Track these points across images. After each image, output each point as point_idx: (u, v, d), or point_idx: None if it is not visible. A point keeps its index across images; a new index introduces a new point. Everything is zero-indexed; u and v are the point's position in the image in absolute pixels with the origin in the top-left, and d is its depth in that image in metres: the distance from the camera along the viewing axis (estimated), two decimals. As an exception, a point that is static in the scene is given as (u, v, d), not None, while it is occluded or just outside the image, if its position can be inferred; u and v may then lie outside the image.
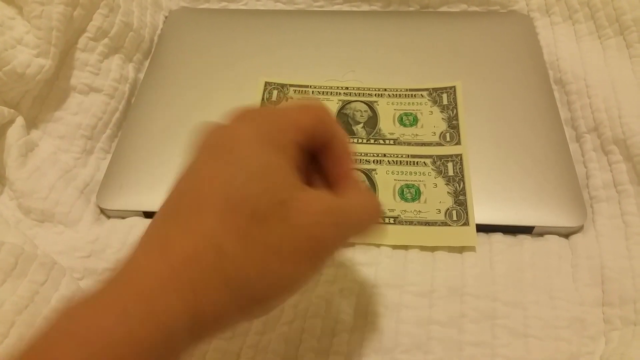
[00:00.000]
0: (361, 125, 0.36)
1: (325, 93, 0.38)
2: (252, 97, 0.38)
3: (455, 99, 0.37)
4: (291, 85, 0.39)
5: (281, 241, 0.19)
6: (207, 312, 0.18)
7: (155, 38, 0.45)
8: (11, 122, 0.35)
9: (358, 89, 0.39)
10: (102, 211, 0.35)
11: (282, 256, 0.19)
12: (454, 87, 0.38)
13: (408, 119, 0.37)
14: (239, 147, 0.20)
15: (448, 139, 0.35)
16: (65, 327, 0.16)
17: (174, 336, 0.17)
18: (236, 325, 0.19)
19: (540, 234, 0.32)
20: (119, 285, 0.17)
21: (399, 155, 0.35)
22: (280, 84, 0.39)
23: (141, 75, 0.42)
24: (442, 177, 0.33)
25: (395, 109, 0.37)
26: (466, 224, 0.31)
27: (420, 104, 0.37)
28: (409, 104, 0.37)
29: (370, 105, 0.38)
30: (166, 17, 0.47)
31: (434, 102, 0.37)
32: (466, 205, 0.32)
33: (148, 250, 0.19)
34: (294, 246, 0.19)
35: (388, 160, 0.34)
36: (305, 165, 0.22)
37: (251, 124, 0.21)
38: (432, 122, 0.36)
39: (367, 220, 0.22)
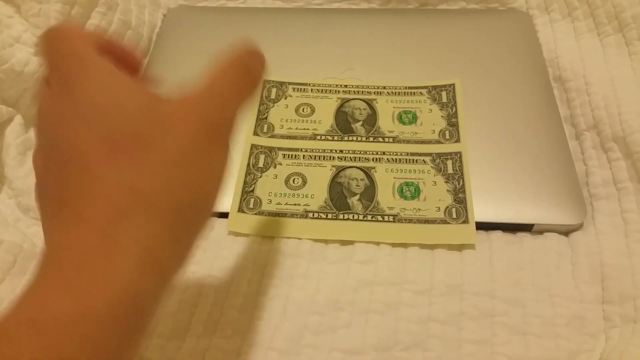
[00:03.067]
0: (360, 123, 0.36)
1: (324, 91, 0.38)
2: (251, 95, 0.38)
3: (454, 96, 0.37)
4: (290, 83, 0.39)
5: (182, 154, 0.18)
6: (159, 247, 0.17)
7: (154, 36, 0.45)
8: (10, 120, 0.34)
9: (357, 86, 0.38)
10: (101, 210, 0.35)
11: (192, 165, 0.18)
12: (453, 84, 0.38)
13: (407, 117, 0.36)
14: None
15: (447, 136, 0.35)
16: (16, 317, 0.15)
17: (133, 292, 0.16)
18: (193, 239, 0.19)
19: (540, 232, 0.32)
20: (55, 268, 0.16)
21: (398, 153, 0.35)
22: (279, 81, 0.39)
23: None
24: (442, 175, 0.33)
25: (394, 107, 0.37)
26: (466, 221, 0.31)
27: (420, 101, 0.37)
28: (408, 101, 0.37)
29: (369, 103, 0.37)
30: (164, 15, 0.46)
31: (433, 99, 0.37)
32: (466, 203, 0.32)
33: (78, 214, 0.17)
34: (194, 149, 0.18)
35: (387, 158, 0.34)
36: None
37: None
38: (432, 119, 0.36)
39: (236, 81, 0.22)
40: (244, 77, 0.22)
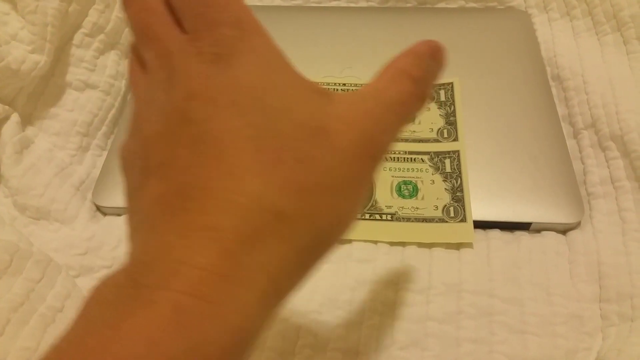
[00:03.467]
0: (358, 121, 0.36)
1: (322, 89, 0.38)
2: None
3: (452, 95, 0.37)
4: (288, 82, 0.39)
5: (334, 174, 0.16)
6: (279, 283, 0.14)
7: (152, 34, 0.44)
8: (6, 118, 0.34)
9: (356, 85, 0.38)
10: (98, 208, 0.34)
11: (341, 188, 0.16)
12: (452, 83, 0.38)
13: (405, 116, 0.36)
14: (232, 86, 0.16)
15: (445, 135, 0.35)
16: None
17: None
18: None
19: (538, 231, 0.32)
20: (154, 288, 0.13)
21: (396, 152, 0.34)
22: (277, 80, 0.39)
23: (137, 72, 0.42)
24: (440, 173, 0.33)
25: (392, 106, 0.37)
26: (463, 220, 0.31)
27: (418, 100, 0.37)
28: (406, 100, 0.37)
29: (367, 102, 0.37)
30: (162, 13, 0.46)
31: (431, 98, 0.37)
32: (463, 202, 0.32)
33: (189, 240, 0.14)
34: (348, 170, 0.16)
35: (385, 157, 0.34)
36: None
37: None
38: (430, 118, 0.36)
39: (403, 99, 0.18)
40: (415, 89, 0.18)
